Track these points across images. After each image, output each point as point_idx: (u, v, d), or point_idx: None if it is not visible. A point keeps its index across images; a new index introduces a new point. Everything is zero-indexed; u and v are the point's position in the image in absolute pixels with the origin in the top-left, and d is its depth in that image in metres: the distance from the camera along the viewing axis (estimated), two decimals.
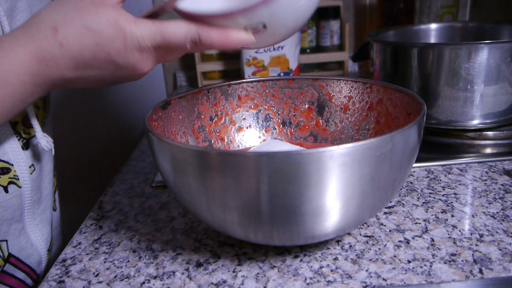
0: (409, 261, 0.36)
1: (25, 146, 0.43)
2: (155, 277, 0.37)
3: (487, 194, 0.46)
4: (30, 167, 0.43)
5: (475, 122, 0.58)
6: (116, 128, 1.08)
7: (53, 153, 0.46)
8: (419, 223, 0.42)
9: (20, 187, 0.42)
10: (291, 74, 0.89)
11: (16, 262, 0.44)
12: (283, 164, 0.29)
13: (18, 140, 0.42)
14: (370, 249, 0.38)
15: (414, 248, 0.38)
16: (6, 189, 0.41)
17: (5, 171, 0.41)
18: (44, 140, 0.42)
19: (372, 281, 0.34)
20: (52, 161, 0.50)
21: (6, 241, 0.43)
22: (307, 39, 0.99)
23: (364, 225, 0.42)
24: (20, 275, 0.45)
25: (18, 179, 0.42)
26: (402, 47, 0.61)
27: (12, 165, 0.41)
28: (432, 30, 0.78)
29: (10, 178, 0.41)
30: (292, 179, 0.30)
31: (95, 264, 0.39)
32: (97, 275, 0.38)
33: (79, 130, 1.06)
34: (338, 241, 0.40)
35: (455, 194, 0.47)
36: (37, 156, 0.45)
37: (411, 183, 0.50)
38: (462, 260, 0.36)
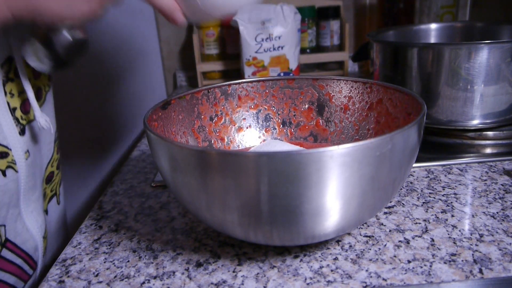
0: (409, 261, 0.36)
1: (22, 132, 0.43)
2: (155, 277, 0.37)
3: (487, 194, 0.46)
4: (25, 152, 0.44)
5: (475, 122, 0.58)
6: (116, 128, 1.08)
7: (53, 131, 0.46)
8: (419, 223, 0.42)
9: (17, 171, 0.43)
10: (291, 74, 0.89)
11: (13, 247, 0.45)
12: (283, 164, 0.29)
13: (16, 125, 0.43)
14: (370, 249, 0.38)
15: (414, 248, 0.38)
16: (4, 173, 0.42)
17: (4, 155, 0.41)
18: (42, 120, 0.43)
19: (372, 281, 0.34)
20: (41, 150, 0.49)
21: (4, 226, 0.43)
22: (307, 39, 0.99)
23: (364, 225, 0.42)
24: (18, 261, 0.45)
25: (15, 163, 0.42)
26: (402, 47, 0.61)
27: (11, 149, 0.42)
28: (432, 30, 0.78)
29: (8, 162, 0.42)
30: (292, 179, 0.30)
31: (95, 264, 0.39)
32: (97, 275, 0.38)
33: (78, 130, 1.06)
34: (338, 241, 0.40)
35: (455, 194, 0.47)
36: (31, 142, 0.46)
37: (411, 183, 0.50)
38: (462, 260, 0.36)
